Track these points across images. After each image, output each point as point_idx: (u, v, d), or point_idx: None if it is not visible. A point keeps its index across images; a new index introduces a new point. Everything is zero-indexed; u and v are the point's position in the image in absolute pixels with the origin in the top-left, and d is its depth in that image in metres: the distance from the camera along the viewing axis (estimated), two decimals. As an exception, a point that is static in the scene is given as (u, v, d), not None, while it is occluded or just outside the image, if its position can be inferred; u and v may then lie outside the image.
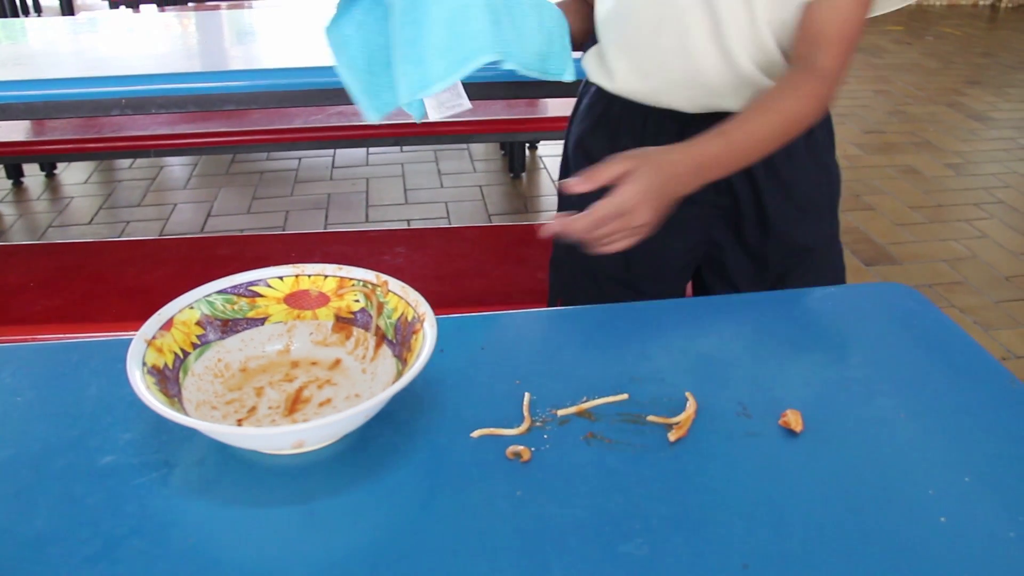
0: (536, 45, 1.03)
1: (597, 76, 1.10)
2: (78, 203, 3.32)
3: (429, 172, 3.58)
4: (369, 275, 0.77)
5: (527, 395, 0.69)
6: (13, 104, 1.67)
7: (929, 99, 4.73)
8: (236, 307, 0.75)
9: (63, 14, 4.48)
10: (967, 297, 2.66)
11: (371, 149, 3.77)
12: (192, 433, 0.65)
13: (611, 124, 1.11)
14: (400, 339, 0.73)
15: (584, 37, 1.13)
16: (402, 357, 0.71)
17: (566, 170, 1.21)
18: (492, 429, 0.66)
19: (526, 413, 0.67)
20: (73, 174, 3.59)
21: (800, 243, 1.10)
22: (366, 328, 0.77)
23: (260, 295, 0.76)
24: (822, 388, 0.71)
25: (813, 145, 1.09)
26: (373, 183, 3.46)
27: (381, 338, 0.75)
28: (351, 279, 0.78)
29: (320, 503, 0.59)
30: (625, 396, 0.69)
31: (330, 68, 1.77)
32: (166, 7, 4.58)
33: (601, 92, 1.12)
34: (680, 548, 0.54)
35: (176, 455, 0.63)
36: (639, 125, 1.08)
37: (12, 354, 0.76)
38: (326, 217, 3.16)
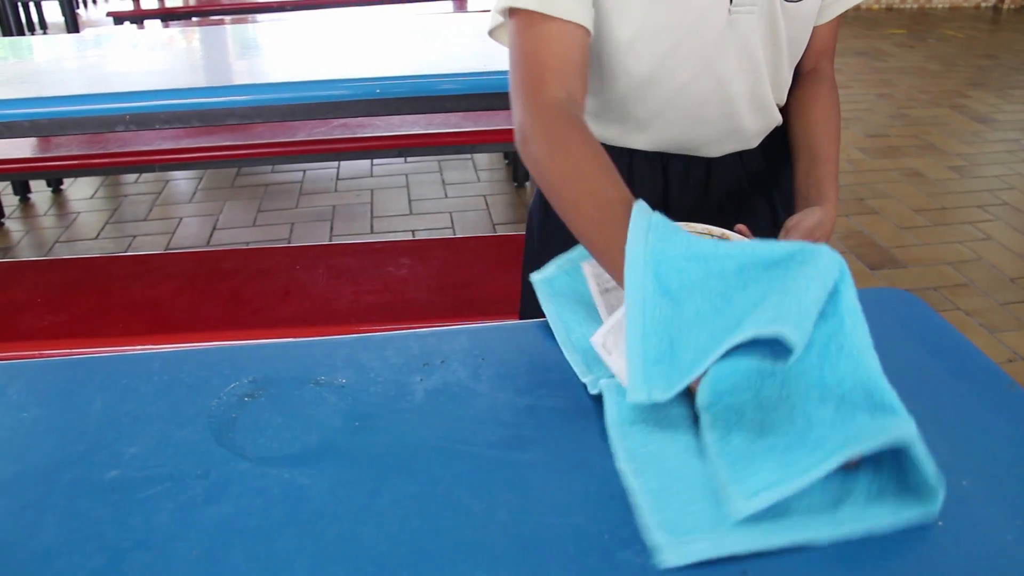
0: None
1: (612, 140, 1.07)
2: (85, 218, 3.34)
3: (433, 183, 3.60)
4: None
5: (528, 404, 0.70)
6: (19, 122, 1.69)
7: (932, 102, 4.73)
8: None
9: (68, 31, 4.51)
10: (973, 299, 2.66)
11: (375, 160, 3.80)
12: (195, 446, 0.66)
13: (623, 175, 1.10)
14: None
15: None
16: None
17: (548, 226, 1.15)
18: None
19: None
20: (79, 189, 3.62)
21: None
22: None
23: None
24: (820, 394, 0.71)
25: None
26: (378, 194, 3.48)
27: None
28: None
29: (320, 515, 0.59)
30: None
31: (331, 81, 1.79)
32: (170, 23, 4.61)
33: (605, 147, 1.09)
34: (679, 555, 0.55)
35: (181, 468, 0.64)
36: (659, 173, 1.07)
37: (18, 371, 0.77)
38: (331, 229, 3.17)
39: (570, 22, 0.86)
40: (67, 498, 0.61)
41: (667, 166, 1.06)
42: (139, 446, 0.66)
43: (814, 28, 1.05)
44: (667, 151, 1.06)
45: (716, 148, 1.05)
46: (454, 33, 2.21)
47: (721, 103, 0.99)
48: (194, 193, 3.58)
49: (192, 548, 0.57)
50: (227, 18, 4.58)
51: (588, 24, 0.88)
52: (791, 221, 0.98)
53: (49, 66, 2.07)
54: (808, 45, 1.07)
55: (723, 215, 1.09)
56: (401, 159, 3.77)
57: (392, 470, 0.63)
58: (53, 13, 7.03)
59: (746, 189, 1.09)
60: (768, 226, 1.12)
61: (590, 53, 0.95)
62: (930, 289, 2.72)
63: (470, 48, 2.02)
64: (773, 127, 1.08)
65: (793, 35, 1.00)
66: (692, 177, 1.07)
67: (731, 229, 0.99)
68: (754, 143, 1.08)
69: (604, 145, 1.07)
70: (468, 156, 3.84)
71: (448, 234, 3.11)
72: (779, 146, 1.11)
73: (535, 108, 0.85)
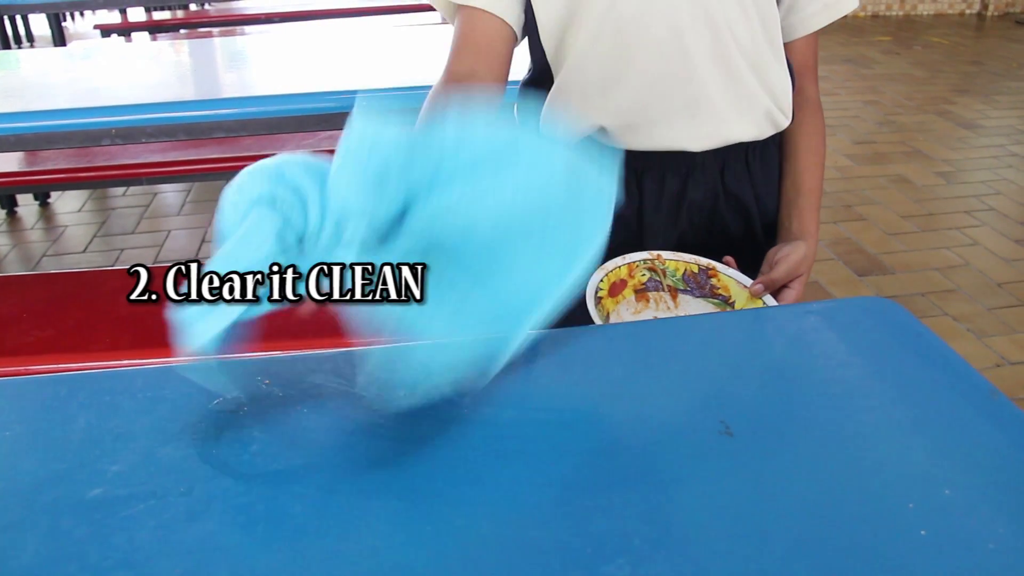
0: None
1: (573, 128, 1.04)
2: (72, 232, 3.33)
3: (422, 193, 3.59)
4: (644, 255, 0.99)
5: (511, 417, 0.70)
6: (5, 136, 1.68)
7: (919, 108, 4.76)
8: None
9: (55, 44, 4.50)
10: (960, 305, 2.67)
11: (364, 171, 3.78)
12: (178, 463, 0.66)
13: None
14: (696, 285, 0.99)
15: None
16: (711, 293, 0.98)
17: None
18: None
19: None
20: (67, 203, 3.61)
21: None
22: (658, 289, 0.99)
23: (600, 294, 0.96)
24: (803, 405, 0.71)
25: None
26: (367, 205, 3.47)
27: (675, 291, 0.99)
28: (635, 262, 0.99)
29: (303, 532, 0.59)
30: (609, 416, 0.70)
31: (319, 94, 1.79)
32: (158, 35, 4.61)
33: None
34: (662, 567, 0.55)
35: (163, 486, 0.64)
36: (634, 187, 1.04)
37: (0, 389, 0.77)
38: (320, 240, 3.16)
39: (484, 11, 1.00)
40: (49, 517, 0.61)
41: (642, 180, 1.05)
42: (122, 464, 0.66)
43: (792, 42, 1.04)
44: (640, 147, 1.02)
45: (692, 134, 1.01)
46: (441, 44, 2.22)
47: (677, 57, 0.96)
48: (182, 206, 3.57)
49: (175, 566, 0.56)
50: (215, 30, 4.58)
51: (504, 15, 1.01)
52: (778, 254, 0.98)
53: (35, 79, 2.07)
54: (788, 62, 1.05)
55: (694, 230, 1.08)
56: (390, 169, 3.77)
57: (375, 486, 0.63)
58: (40, 26, 7.03)
59: (721, 208, 1.07)
60: (743, 243, 1.10)
61: (549, 28, 1.03)
62: (917, 295, 2.73)
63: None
64: (755, 111, 1.02)
65: (764, 6, 0.97)
66: (667, 190, 1.06)
67: (719, 261, 1.00)
68: (737, 131, 1.02)
69: None
70: (457, 166, 3.84)
71: (437, 244, 3.11)
72: (766, 169, 1.09)
73: (440, 80, 1.01)
